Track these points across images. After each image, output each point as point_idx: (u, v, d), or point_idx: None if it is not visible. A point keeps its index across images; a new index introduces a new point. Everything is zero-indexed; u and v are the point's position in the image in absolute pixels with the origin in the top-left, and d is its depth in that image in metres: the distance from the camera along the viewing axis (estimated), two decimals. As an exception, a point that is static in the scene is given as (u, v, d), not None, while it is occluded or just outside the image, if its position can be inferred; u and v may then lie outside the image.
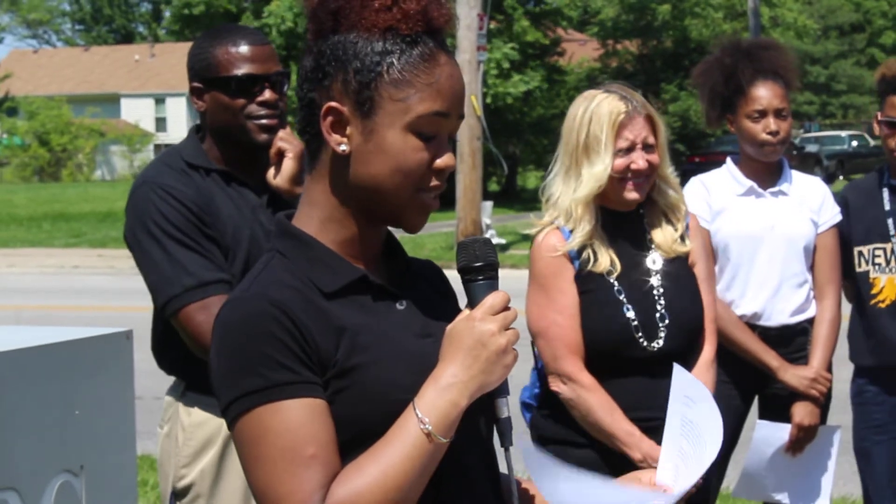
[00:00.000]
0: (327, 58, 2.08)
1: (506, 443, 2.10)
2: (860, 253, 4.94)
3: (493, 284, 2.11)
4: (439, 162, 2.09)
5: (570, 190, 3.91)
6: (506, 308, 2.07)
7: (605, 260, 3.87)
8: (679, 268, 3.96)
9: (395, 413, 2.00)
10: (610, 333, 3.84)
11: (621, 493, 2.46)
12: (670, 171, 3.99)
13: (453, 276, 2.29)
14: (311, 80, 2.11)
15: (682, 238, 3.99)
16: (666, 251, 3.95)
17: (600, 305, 3.86)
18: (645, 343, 3.85)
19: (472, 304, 2.09)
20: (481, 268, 2.10)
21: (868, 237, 4.92)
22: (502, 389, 2.09)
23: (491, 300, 2.06)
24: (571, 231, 3.89)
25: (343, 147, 2.08)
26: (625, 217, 3.97)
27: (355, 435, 2.00)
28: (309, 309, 2.02)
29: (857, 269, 4.94)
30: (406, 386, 2.02)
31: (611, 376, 3.84)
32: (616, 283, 3.87)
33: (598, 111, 3.86)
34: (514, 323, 2.08)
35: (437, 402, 1.99)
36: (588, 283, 3.88)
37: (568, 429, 3.92)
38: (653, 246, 3.96)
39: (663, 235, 3.96)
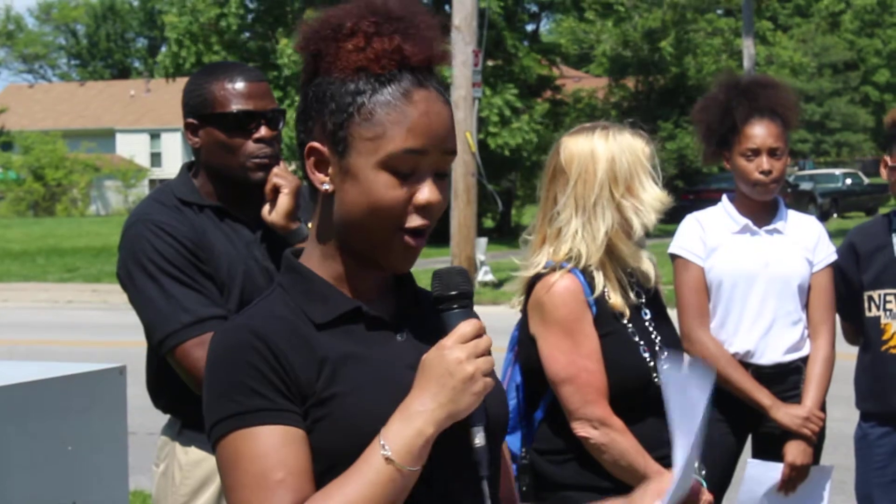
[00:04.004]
0: (310, 100, 2.14)
1: (481, 472, 2.10)
2: (870, 298, 4.91)
3: (467, 313, 2.12)
4: (419, 197, 2.10)
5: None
6: (478, 336, 2.08)
7: (619, 301, 3.79)
8: (656, 295, 3.92)
9: (369, 443, 2.02)
10: (637, 376, 3.76)
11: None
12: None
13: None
14: (299, 122, 2.18)
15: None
16: (644, 281, 3.86)
17: (622, 348, 3.78)
18: (658, 381, 3.71)
19: (446, 334, 2.09)
20: (455, 297, 2.12)
21: (879, 282, 4.89)
22: (477, 418, 2.09)
23: (462, 328, 2.08)
24: (581, 271, 3.78)
25: (326, 186, 2.14)
26: None
27: (333, 464, 2.03)
28: (293, 339, 2.07)
29: (867, 314, 4.92)
30: (383, 416, 2.04)
31: (628, 418, 3.75)
32: (630, 325, 3.81)
33: None
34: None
35: (402, 431, 2.01)
36: (605, 325, 3.79)
37: (593, 474, 3.79)
38: (633, 279, 3.87)
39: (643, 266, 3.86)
